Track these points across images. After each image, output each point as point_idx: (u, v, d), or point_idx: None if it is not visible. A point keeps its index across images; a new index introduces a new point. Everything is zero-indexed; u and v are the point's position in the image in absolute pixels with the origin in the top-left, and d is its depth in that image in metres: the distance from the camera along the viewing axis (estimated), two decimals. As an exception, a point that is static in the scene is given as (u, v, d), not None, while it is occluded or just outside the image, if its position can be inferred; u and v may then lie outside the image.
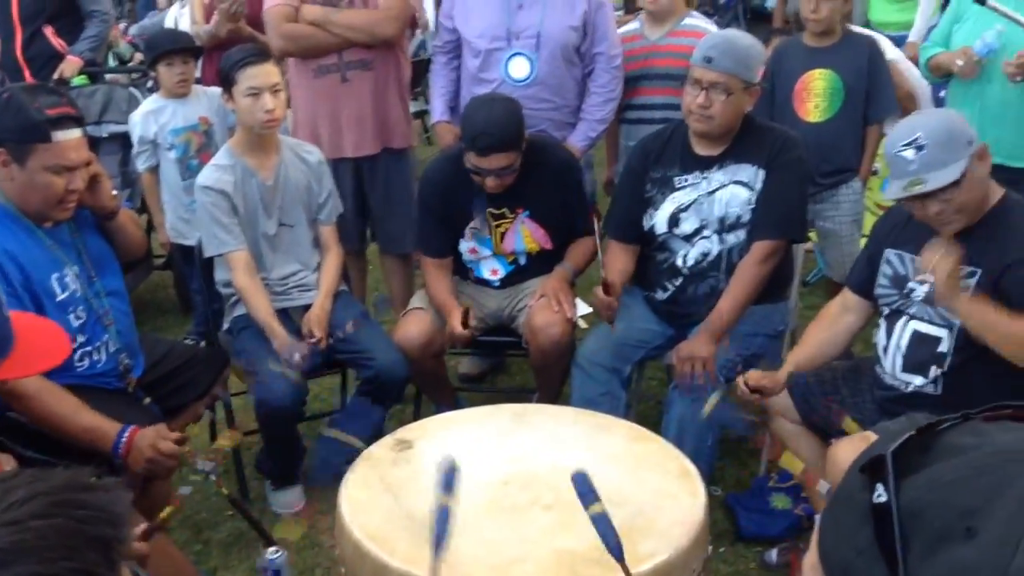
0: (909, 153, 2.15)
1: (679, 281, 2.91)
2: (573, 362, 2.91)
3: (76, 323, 2.39)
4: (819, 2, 3.50)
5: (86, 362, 2.42)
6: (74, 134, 2.28)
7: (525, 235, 3.09)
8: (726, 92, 2.69)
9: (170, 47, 3.65)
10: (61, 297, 2.36)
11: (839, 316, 2.58)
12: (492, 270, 3.17)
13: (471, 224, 3.07)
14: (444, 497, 1.60)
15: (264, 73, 2.85)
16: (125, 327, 2.55)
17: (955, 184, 2.12)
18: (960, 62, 3.24)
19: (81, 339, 2.41)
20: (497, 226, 3.07)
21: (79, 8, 4.65)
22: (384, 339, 2.99)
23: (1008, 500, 0.62)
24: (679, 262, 2.89)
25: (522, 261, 3.15)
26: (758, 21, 6.50)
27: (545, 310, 2.92)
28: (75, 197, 2.34)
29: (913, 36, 4.78)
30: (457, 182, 3.02)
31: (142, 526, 1.93)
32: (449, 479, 1.61)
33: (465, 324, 2.90)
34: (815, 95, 3.58)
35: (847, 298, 2.58)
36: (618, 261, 2.94)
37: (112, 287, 2.53)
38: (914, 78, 3.86)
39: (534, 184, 3.01)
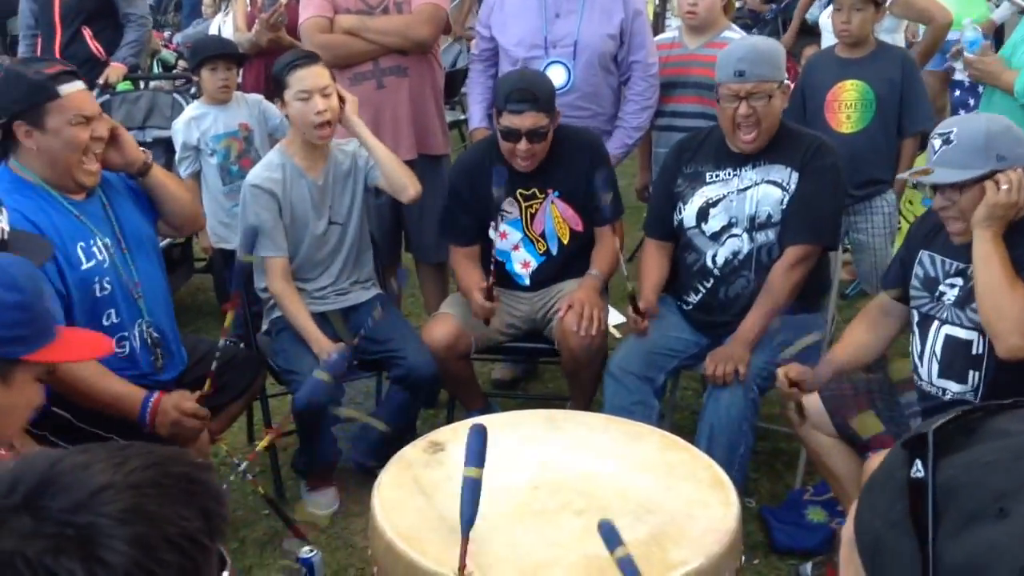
0: (937, 143, 2.20)
1: (710, 283, 2.90)
2: (605, 370, 2.90)
3: (101, 293, 2.40)
4: (850, 13, 3.49)
5: (126, 347, 2.47)
6: (78, 85, 2.35)
7: (555, 216, 3.10)
8: (767, 97, 2.73)
9: (215, 52, 3.71)
10: (86, 266, 2.37)
11: (880, 318, 2.56)
12: (523, 262, 3.17)
13: (501, 207, 3.09)
14: (472, 470, 1.62)
15: (314, 75, 2.87)
16: (157, 307, 2.56)
17: (960, 186, 2.14)
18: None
19: (114, 319, 2.43)
20: (528, 207, 3.10)
21: (116, 11, 4.75)
22: (414, 338, 3.02)
23: None
24: (709, 263, 2.89)
25: (553, 250, 3.15)
26: (805, 33, 6.49)
27: (576, 315, 2.93)
28: (100, 147, 2.40)
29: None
30: (488, 165, 3.04)
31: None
32: (478, 450, 1.63)
33: (489, 297, 2.92)
34: (846, 106, 3.56)
35: (884, 300, 2.57)
36: (654, 268, 2.96)
37: (146, 267, 2.54)
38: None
39: (563, 164, 3.05)
